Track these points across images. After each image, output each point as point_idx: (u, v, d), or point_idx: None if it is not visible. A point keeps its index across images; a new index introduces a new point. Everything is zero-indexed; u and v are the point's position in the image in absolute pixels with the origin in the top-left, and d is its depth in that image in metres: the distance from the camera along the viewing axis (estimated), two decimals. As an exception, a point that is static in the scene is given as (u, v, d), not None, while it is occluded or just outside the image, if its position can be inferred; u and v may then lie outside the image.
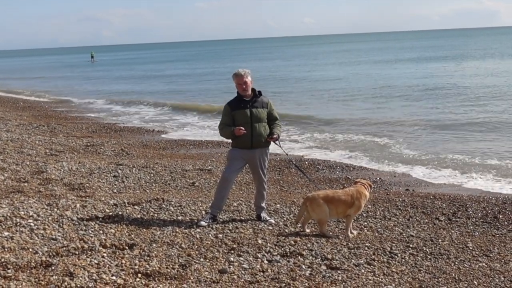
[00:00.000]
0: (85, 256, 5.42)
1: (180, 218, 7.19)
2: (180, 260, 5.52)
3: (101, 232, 6.32)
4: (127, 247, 5.82)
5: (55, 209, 7.02)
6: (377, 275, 5.50)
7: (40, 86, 40.92)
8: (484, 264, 6.01)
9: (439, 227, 7.47)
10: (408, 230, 7.23)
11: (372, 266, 5.73)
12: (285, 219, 7.42)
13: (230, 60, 72.57)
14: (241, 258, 5.70)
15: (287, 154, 8.35)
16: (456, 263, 6.01)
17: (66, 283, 4.73)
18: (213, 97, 27.44)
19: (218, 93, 29.02)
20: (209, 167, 11.09)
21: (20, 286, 4.65)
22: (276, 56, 78.82)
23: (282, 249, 6.06)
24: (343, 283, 5.25)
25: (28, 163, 10.36)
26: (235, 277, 5.23)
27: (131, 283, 4.91)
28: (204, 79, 41.60)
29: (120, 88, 36.77)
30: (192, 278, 5.12)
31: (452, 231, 7.25)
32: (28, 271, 4.96)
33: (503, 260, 6.16)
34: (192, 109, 23.96)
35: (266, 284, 5.12)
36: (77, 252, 5.52)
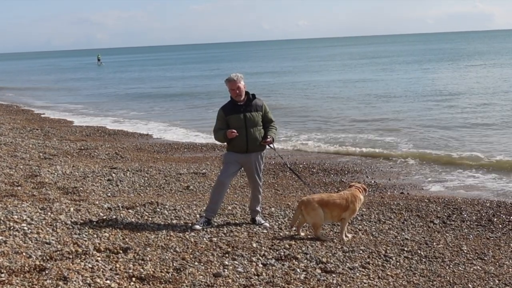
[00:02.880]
0: (79, 260, 5.39)
1: (174, 221, 7.17)
2: (174, 264, 5.50)
3: (95, 236, 6.29)
4: (121, 251, 5.79)
5: (49, 213, 6.98)
6: (372, 279, 5.50)
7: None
8: (478, 267, 6.02)
9: (434, 230, 7.48)
10: (403, 233, 7.24)
11: (367, 270, 5.72)
12: (280, 222, 7.41)
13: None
14: (236, 262, 5.68)
15: (281, 157, 8.34)
16: (451, 266, 6.02)
17: (60, 288, 4.71)
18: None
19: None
20: (204, 170, 11.07)
21: (13, 291, 4.63)
22: (273, 59, 78.77)
23: (277, 252, 6.05)
24: (338, 287, 5.24)
25: (21, 167, 10.31)
26: (230, 280, 5.21)
27: (125, 287, 4.89)
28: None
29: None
30: (186, 282, 5.10)
31: (447, 234, 7.26)
32: (22, 275, 4.93)
33: (497, 263, 6.17)
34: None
35: (261, 287, 5.11)
36: (71, 256, 5.49)
